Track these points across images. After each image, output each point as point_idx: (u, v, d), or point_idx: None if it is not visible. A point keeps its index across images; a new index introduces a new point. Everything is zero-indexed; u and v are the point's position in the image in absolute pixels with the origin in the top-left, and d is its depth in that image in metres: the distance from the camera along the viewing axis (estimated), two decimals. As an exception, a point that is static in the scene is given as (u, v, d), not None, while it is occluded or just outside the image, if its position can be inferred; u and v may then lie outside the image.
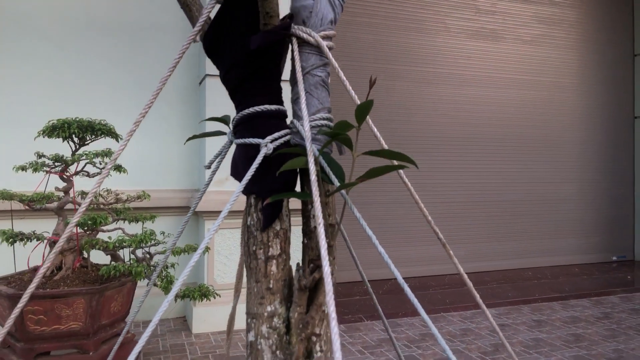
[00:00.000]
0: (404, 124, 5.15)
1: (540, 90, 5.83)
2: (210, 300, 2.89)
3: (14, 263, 2.87)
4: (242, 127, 1.16)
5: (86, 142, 2.86)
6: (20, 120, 3.60)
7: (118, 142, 2.91)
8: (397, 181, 4.91)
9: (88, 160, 2.82)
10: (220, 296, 2.96)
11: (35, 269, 2.79)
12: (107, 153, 2.81)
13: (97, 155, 2.77)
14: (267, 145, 1.06)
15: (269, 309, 1.10)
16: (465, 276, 1.30)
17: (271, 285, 1.11)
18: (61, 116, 2.94)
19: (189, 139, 1.32)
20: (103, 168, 2.89)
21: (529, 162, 5.76)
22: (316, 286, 1.09)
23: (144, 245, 2.76)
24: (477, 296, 1.34)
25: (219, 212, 3.66)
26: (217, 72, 3.96)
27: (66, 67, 3.74)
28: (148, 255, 2.81)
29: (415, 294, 3.96)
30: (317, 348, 1.11)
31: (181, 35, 4.01)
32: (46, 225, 3.13)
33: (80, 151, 2.81)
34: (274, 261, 1.11)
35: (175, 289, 0.90)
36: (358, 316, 3.94)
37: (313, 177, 0.75)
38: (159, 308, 3.53)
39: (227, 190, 3.69)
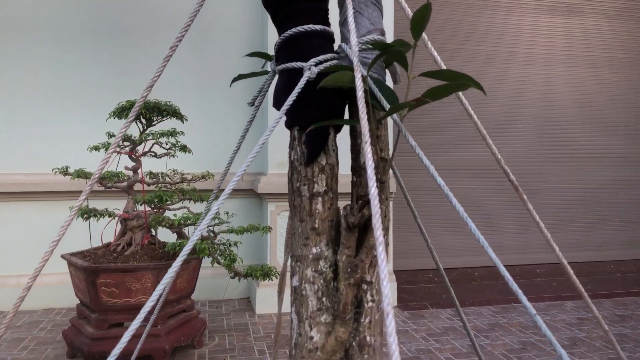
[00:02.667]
0: (473, 107, 4.91)
1: (623, 69, 5.35)
2: (272, 280, 2.89)
3: (90, 238, 3.02)
4: (284, 52, 1.06)
5: (153, 123, 2.94)
6: (93, 104, 3.77)
7: (183, 122, 2.96)
8: (468, 169, 4.70)
9: (155, 140, 2.89)
10: (282, 276, 2.95)
11: (107, 245, 2.91)
12: (172, 133, 2.87)
13: (163, 134, 2.84)
14: (310, 69, 0.95)
15: (314, 250, 1.01)
16: (568, 267, 1.17)
17: (316, 225, 1.01)
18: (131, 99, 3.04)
19: (235, 79, 1.24)
20: (170, 148, 2.96)
21: (613, 147, 5.31)
22: (366, 226, 0.99)
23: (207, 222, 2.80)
24: (580, 287, 1.20)
25: (281, 194, 3.66)
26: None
27: (133, 55, 3.87)
28: (212, 234, 2.85)
29: (484, 284, 3.76)
30: (368, 297, 1.01)
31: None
32: (117, 204, 3.26)
33: (147, 131, 2.89)
34: (320, 199, 1.02)
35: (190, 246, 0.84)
36: (423, 304, 3.81)
37: (360, 93, 0.65)
38: (223, 287, 3.58)
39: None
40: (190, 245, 0.93)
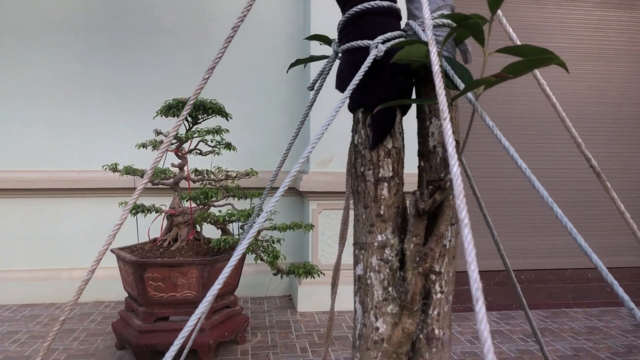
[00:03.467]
0: (533, 105, 4.74)
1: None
2: (314, 278, 2.87)
3: (137, 234, 3.09)
4: (348, 30, 1.01)
5: (199, 121, 2.98)
6: (139, 103, 3.87)
7: (227, 120, 2.99)
8: (513, 168, 4.55)
9: (200, 138, 2.94)
10: (324, 275, 2.93)
11: (154, 240, 2.97)
12: (217, 131, 2.90)
13: (208, 132, 2.88)
14: (377, 47, 0.89)
15: (379, 238, 0.96)
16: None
17: (382, 212, 0.96)
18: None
19: (292, 64, 1.21)
20: (215, 146, 3.00)
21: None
22: (436, 213, 0.93)
23: (251, 219, 2.81)
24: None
25: (323, 192, 3.65)
26: (322, 52, 3.91)
27: (181, 54, 3.95)
28: (243, 229, 2.86)
29: (532, 287, 3.64)
30: (437, 288, 0.96)
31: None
32: (163, 200, 3.33)
33: (193, 129, 2.93)
34: (385, 184, 0.97)
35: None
36: (468, 306, 3.71)
37: (436, 67, 0.61)
38: (265, 285, 3.60)
39: (331, 172, 3.66)
40: (246, 242, 0.92)
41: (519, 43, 0.85)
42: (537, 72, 0.99)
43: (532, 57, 0.65)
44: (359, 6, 0.97)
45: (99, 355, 2.82)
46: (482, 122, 0.86)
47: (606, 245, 4.75)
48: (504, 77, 0.66)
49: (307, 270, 2.79)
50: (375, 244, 0.96)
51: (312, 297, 3.61)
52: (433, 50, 0.64)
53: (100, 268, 3.83)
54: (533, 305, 3.78)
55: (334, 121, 0.85)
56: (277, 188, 3.92)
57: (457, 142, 0.96)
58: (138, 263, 2.59)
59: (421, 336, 0.96)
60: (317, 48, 3.60)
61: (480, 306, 0.42)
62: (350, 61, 1.01)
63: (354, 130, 1.03)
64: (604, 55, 4.85)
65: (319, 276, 2.81)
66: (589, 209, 4.78)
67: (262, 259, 2.75)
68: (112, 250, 2.87)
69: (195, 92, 1.08)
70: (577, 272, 4.62)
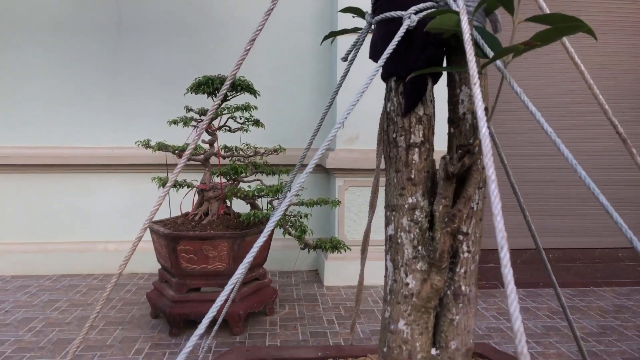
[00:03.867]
0: (565, 82, 4.64)
1: None
2: (341, 253, 2.93)
3: (169, 208, 3.19)
4: (382, 2, 1.05)
5: (228, 98, 3.03)
6: (170, 81, 3.95)
7: (256, 97, 3.03)
8: (547, 145, 4.48)
9: (230, 115, 2.99)
10: (351, 250, 2.99)
11: (186, 214, 3.07)
12: (246, 107, 2.94)
13: (237, 109, 2.92)
14: (410, 17, 0.93)
15: (410, 200, 1.01)
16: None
17: (413, 176, 1.01)
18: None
19: (326, 37, 1.25)
20: (243, 123, 3.05)
21: None
22: (464, 177, 0.98)
23: (280, 195, 2.87)
24: None
25: (349, 169, 3.68)
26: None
27: (209, 34, 3.99)
28: (271, 206, 2.92)
29: (559, 266, 3.62)
30: (464, 248, 1.01)
31: None
32: (194, 176, 3.42)
33: (222, 106, 2.98)
34: (416, 149, 1.01)
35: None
36: (493, 283, 3.72)
37: (467, 36, 0.63)
38: (292, 259, 3.67)
39: (357, 149, 3.68)
40: (278, 216, 0.97)
41: (548, 12, 0.86)
42: (566, 41, 0.99)
43: (559, 25, 0.66)
44: None
45: (135, 323, 2.95)
46: (512, 96, 0.88)
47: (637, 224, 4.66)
48: (532, 44, 0.68)
49: (334, 245, 2.85)
50: (406, 205, 1.01)
51: (338, 272, 3.68)
52: (464, 19, 0.66)
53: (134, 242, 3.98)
54: (561, 283, 3.76)
55: (360, 100, 0.88)
56: (305, 165, 3.97)
57: (486, 108, 0.99)
58: (171, 236, 2.69)
59: (448, 292, 1.01)
60: (344, 23, 3.59)
61: (505, 253, 0.45)
62: (384, 32, 1.04)
63: (386, 98, 1.07)
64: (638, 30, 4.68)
65: (345, 251, 2.87)
66: (622, 187, 4.68)
67: (290, 234, 2.81)
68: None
69: (233, 72, 1.12)
70: (607, 251, 4.56)
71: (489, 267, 4.14)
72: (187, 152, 1.18)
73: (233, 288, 1.63)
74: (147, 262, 3.87)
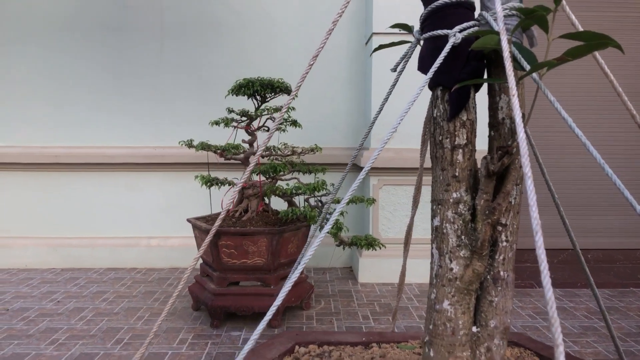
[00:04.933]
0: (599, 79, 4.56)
1: None
2: (375, 250, 2.99)
3: (210, 205, 3.32)
4: (430, 21, 1.18)
5: (267, 99, 3.14)
6: (210, 82, 4.09)
7: (294, 99, 3.12)
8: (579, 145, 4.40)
9: (268, 116, 3.09)
10: (385, 247, 3.04)
11: (227, 211, 3.19)
12: (277, 109, 3.04)
13: (276, 110, 3.02)
14: (455, 35, 1.07)
15: (454, 195, 1.14)
16: None
17: (457, 173, 1.14)
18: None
19: (376, 49, 1.35)
20: (281, 123, 3.14)
21: None
22: (503, 175, 1.11)
23: (316, 193, 2.96)
24: None
25: (383, 168, 3.73)
26: (383, 30, 3.93)
27: (248, 36, 4.11)
28: (320, 203, 3.00)
29: (598, 267, 3.58)
30: (503, 238, 1.14)
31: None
32: (235, 175, 3.54)
33: (262, 107, 3.09)
34: (460, 150, 1.14)
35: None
36: (529, 282, 3.71)
37: (506, 53, 0.72)
38: (328, 255, 3.75)
39: (392, 148, 3.73)
40: (332, 222, 1.09)
41: (581, 29, 0.91)
42: (597, 55, 1.06)
43: (589, 43, 0.73)
44: (440, 1, 1.15)
45: (178, 314, 3.09)
46: (547, 100, 0.94)
47: (682, 225, 4.53)
48: (564, 59, 0.75)
49: (369, 243, 2.91)
50: (451, 200, 1.14)
51: (372, 269, 3.74)
52: (504, 39, 0.73)
53: (175, 237, 4.15)
54: (599, 284, 3.71)
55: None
56: (339, 164, 4.04)
57: (523, 114, 1.08)
58: (214, 231, 2.80)
59: (488, 277, 1.15)
60: (379, 25, 3.65)
61: (539, 237, 0.51)
62: (431, 47, 1.18)
63: (433, 105, 1.20)
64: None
65: (380, 249, 2.92)
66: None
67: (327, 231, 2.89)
68: (188, 220, 3.11)
69: (302, 78, 1.25)
70: (650, 252, 4.45)
71: (525, 266, 4.12)
72: (258, 152, 1.28)
73: (302, 270, 1.70)
74: (187, 256, 4.03)
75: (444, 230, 1.15)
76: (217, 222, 1.52)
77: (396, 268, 3.22)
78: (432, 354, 1.17)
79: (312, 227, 3.04)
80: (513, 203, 1.13)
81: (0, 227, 4.18)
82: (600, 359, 2.47)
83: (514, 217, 1.14)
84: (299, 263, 1.27)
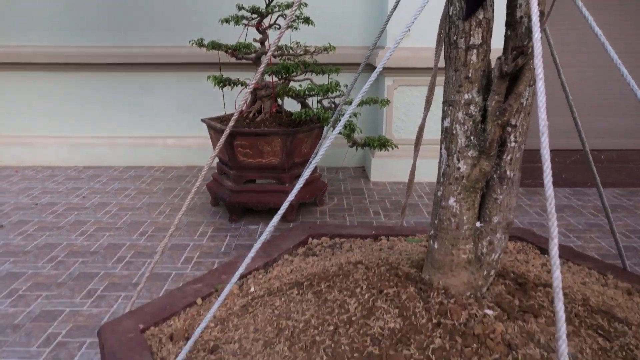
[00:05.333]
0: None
1: None
2: (388, 151, 3.02)
3: (224, 106, 3.33)
4: None
5: (278, -6, 3.00)
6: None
7: (306, -7, 2.98)
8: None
9: (280, 13, 2.98)
10: (397, 148, 3.07)
11: (240, 112, 3.21)
12: (289, 6, 2.92)
13: (287, 7, 2.91)
14: None
15: (465, 96, 1.13)
16: None
17: (470, 74, 1.12)
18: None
19: None
20: (293, 20, 3.04)
21: None
22: (516, 76, 1.09)
23: (330, 94, 2.94)
24: None
25: (399, 68, 3.65)
26: None
27: None
28: (333, 105, 3.00)
29: (611, 167, 3.59)
30: (512, 138, 1.15)
31: None
32: (247, 75, 3.50)
33: (273, 3, 2.97)
34: (475, 50, 1.11)
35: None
36: (539, 182, 3.76)
37: None
38: (341, 156, 3.81)
39: (408, 47, 3.61)
40: (342, 123, 1.10)
41: None
42: None
43: None
44: None
45: (198, 209, 3.25)
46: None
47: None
48: None
49: (382, 143, 2.94)
50: (462, 101, 1.13)
51: (384, 169, 3.81)
52: None
53: (191, 137, 4.23)
54: (610, 183, 3.75)
55: None
56: (354, 64, 3.94)
57: (542, 12, 1.04)
58: (229, 132, 2.85)
59: (495, 176, 1.18)
60: None
61: (544, 137, 0.54)
62: None
63: (449, 3, 1.14)
64: None
65: (392, 149, 2.96)
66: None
67: (339, 132, 2.91)
68: (203, 120, 3.15)
69: None
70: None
71: (536, 166, 4.14)
72: (273, 47, 1.26)
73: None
74: (203, 156, 4.13)
75: (454, 131, 1.16)
76: (231, 123, 1.55)
77: (408, 168, 3.27)
78: (436, 246, 1.23)
79: (325, 128, 3.07)
80: (524, 104, 1.13)
81: (23, 126, 4.28)
82: (602, 253, 2.59)
83: (524, 119, 1.14)
84: (311, 162, 1.31)
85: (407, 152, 3.74)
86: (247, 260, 1.11)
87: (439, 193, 1.22)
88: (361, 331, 1.11)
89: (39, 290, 2.24)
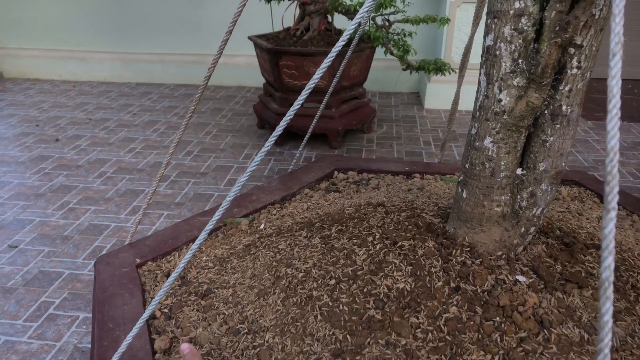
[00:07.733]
0: None
1: None
2: (445, 76, 2.80)
3: (272, 22, 3.16)
4: None
5: None
6: None
7: None
8: None
9: None
10: (456, 72, 2.83)
11: (287, 29, 3.04)
12: None
13: None
14: None
15: (516, 5, 0.86)
16: None
17: None
18: None
19: None
20: None
21: None
22: None
23: (383, 11, 2.70)
24: None
25: (465, -19, 3.29)
26: None
27: None
28: (387, 23, 2.77)
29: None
30: (574, 63, 0.87)
31: None
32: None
33: None
34: None
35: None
36: (612, 116, 3.42)
37: None
38: (394, 80, 3.59)
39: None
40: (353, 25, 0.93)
41: None
42: None
43: None
44: None
45: (244, 131, 3.21)
46: None
47: None
48: None
49: (438, 67, 2.72)
50: (512, 11, 0.87)
51: (440, 95, 3.57)
52: None
53: (240, 56, 4.11)
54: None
55: None
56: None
57: None
58: (274, 50, 2.72)
59: (546, 112, 0.93)
60: None
61: (616, 59, 0.40)
62: None
63: None
64: None
65: (450, 74, 2.73)
66: None
67: (392, 53, 2.71)
68: (249, 37, 3.02)
69: None
70: None
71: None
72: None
73: (323, 105, 1.66)
74: (253, 76, 4.03)
75: (497, 52, 0.90)
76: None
77: (467, 95, 3.05)
78: (465, 195, 1.03)
79: (377, 48, 2.85)
80: (597, 16, 0.83)
81: (78, 40, 4.30)
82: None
83: (595, 37, 0.85)
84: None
85: (467, 77, 3.47)
86: (225, 204, 0.79)
87: (473, 131, 0.99)
88: (365, 289, 0.97)
89: (88, 204, 2.32)
